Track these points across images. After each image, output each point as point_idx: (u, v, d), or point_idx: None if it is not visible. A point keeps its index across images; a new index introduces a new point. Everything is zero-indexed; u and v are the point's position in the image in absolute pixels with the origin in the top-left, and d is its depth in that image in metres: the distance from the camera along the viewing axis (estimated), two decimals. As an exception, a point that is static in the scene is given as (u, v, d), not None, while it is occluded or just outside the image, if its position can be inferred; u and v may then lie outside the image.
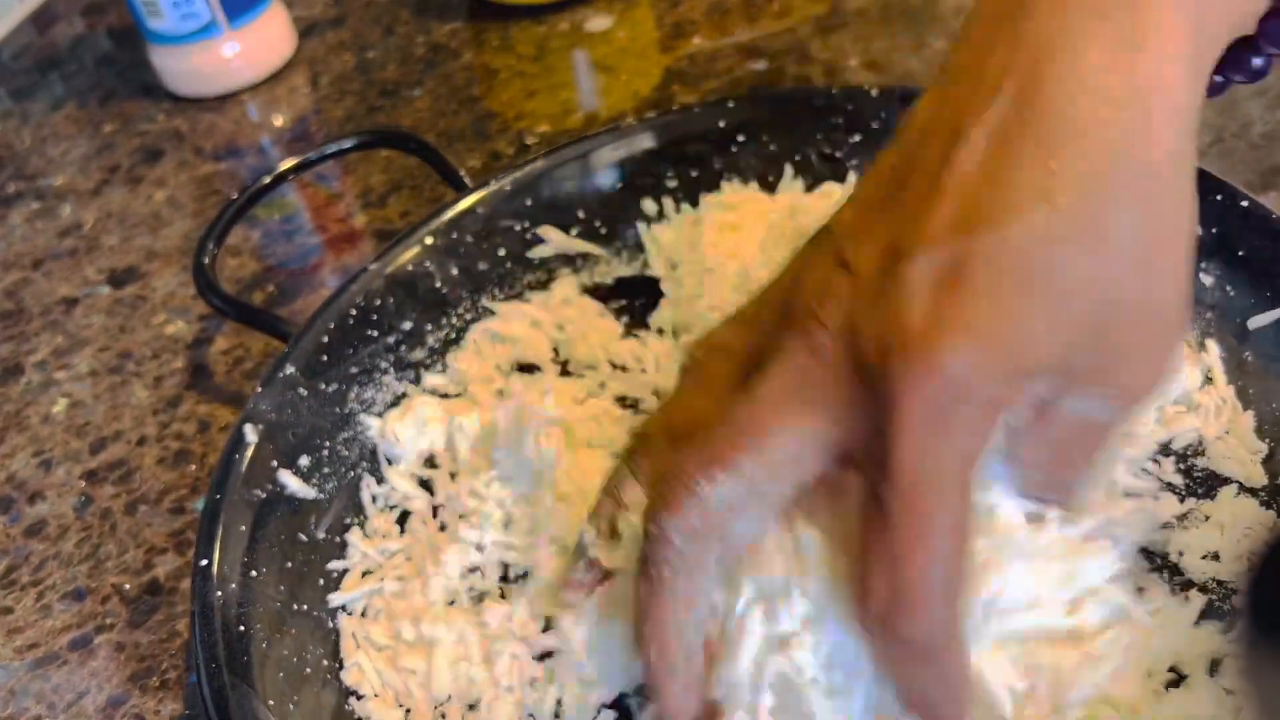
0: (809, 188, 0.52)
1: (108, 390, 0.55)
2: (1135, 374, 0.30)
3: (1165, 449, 0.41)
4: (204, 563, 0.38)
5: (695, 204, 0.53)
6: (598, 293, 0.52)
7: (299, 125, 0.71)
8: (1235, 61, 0.33)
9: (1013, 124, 0.28)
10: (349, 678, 0.39)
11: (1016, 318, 0.27)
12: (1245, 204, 0.42)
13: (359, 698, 0.39)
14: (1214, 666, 0.35)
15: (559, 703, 0.37)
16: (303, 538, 0.42)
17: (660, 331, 0.49)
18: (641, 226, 0.53)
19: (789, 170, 0.53)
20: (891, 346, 0.28)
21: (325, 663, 0.40)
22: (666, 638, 0.32)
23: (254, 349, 0.55)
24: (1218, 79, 0.34)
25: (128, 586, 0.45)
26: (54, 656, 0.43)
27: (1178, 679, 0.35)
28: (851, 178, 0.52)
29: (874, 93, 0.52)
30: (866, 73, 0.64)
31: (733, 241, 0.49)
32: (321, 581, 0.42)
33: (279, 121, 0.71)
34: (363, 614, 0.41)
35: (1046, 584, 0.32)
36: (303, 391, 0.45)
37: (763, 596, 0.32)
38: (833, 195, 0.51)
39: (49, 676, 0.43)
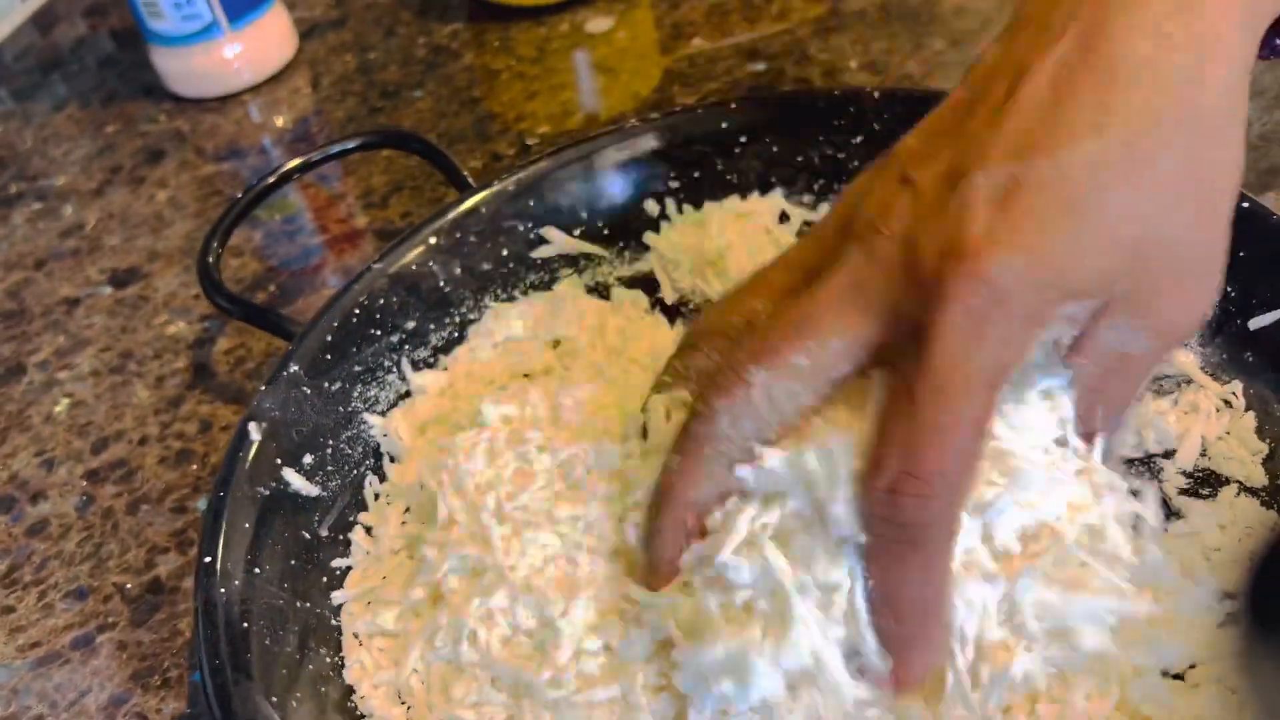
0: (812, 189, 0.53)
1: (109, 390, 0.55)
2: (1170, 308, 0.31)
3: (1167, 450, 0.41)
4: (208, 559, 0.38)
5: (698, 205, 0.53)
6: (600, 293, 0.52)
7: (300, 126, 0.71)
8: None
9: (1075, 63, 0.30)
10: (351, 675, 0.39)
11: (1063, 237, 0.29)
12: (1246, 205, 0.42)
13: (361, 695, 0.39)
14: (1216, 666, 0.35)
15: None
16: (306, 535, 0.42)
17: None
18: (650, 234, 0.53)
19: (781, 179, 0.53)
20: (947, 254, 0.29)
21: (328, 659, 0.40)
22: (682, 506, 0.34)
23: (255, 349, 0.55)
24: (1276, 41, 0.37)
25: (129, 585, 0.45)
26: (56, 655, 0.44)
27: (1180, 677, 0.35)
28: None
29: (876, 94, 0.52)
30: (865, 74, 0.64)
31: (737, 244, 0.50)
32: (325, 579, 0.42)
33: (280, 122, 0.71)
34: (365, 610, 0.41)
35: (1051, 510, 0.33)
36: (307, 390, 0.45)
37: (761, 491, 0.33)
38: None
39: (51, 675, 0.43)
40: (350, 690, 0.39)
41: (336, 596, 0.41)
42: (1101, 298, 0.30)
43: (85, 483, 0.50)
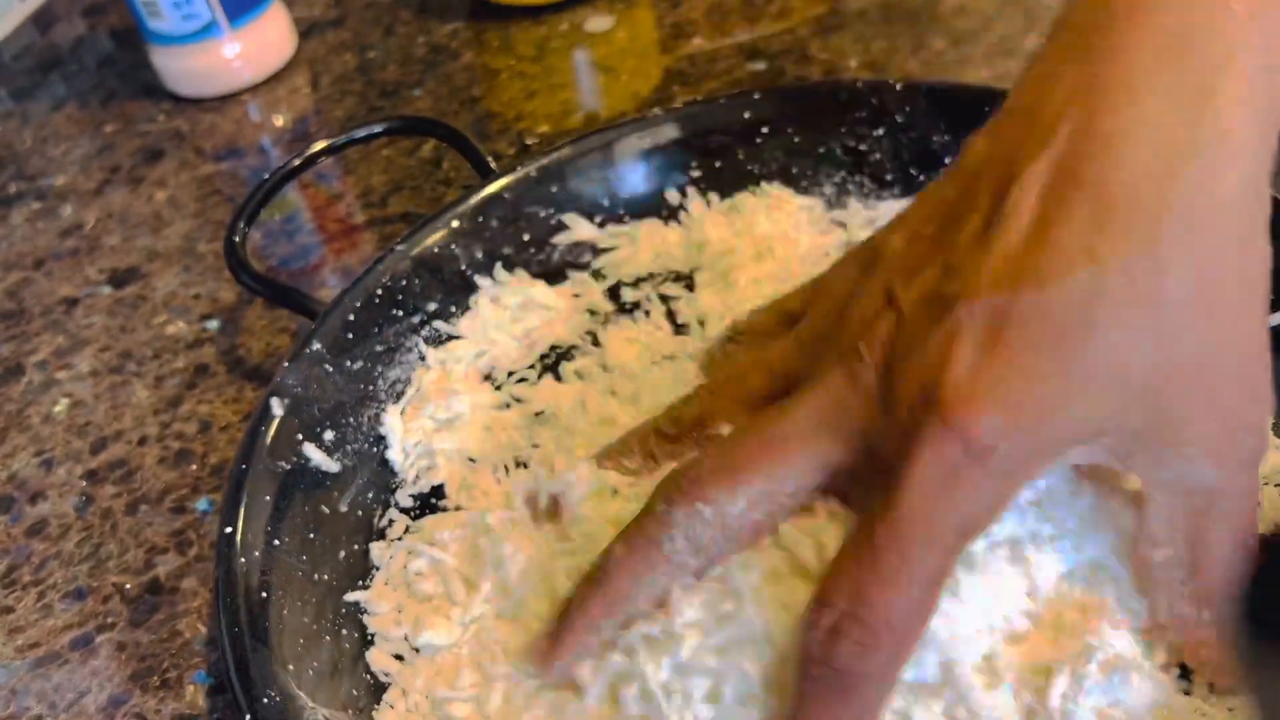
0: (834, 183, 0.53)
1: (109, 390, 0.55)
2: (1211, 432, 0.29)
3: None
4: (229, 530, 0.39)
5: (722, 195, 0.53)
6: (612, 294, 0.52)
7: (299, 125, 0.71)
8: None
9: (1066, 174, 0.28)
10: (369, 654, 0.40)
11: (1049, 385, 0.27)
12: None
13: (377, 665, 0.39)
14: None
15: None
16: (325, 510, 0.43)
17: (684, 326, 0.50)
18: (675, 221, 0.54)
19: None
20: (926, 400, 0.28)
21: (344, 632, 0.40)
22: (615, 598, 0.33)
23: (255, 349, 0.55)
24: None
25: (129, 586, 0.45)
26: (55, 656, 0.43)
27: (1181, 678, 0.35)
28: (862, 178, 0.53)
29: (898, 86, 0.52)
30: (866, 74, 0.64)
31: (764, 236, 0.50)
32: (342, 554, 0.42)
33: (280, 122, 0.71)
34: (385, 583, 0.41)
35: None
36: (329, 367, 0.45)
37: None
38: (856, 216, 0.52)
39: (50, 676, 0.43)
40: (367, 662, 0.39)
41: (354, 595, 0.41)
42: (1105, 439, 0.28)
43: (84, 483, 0.50)
